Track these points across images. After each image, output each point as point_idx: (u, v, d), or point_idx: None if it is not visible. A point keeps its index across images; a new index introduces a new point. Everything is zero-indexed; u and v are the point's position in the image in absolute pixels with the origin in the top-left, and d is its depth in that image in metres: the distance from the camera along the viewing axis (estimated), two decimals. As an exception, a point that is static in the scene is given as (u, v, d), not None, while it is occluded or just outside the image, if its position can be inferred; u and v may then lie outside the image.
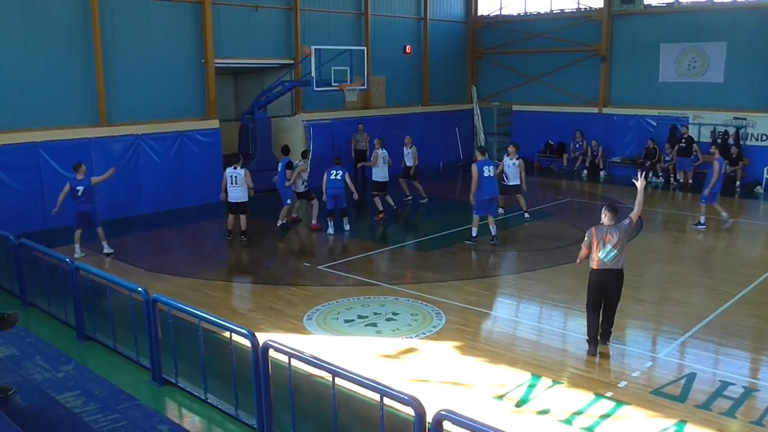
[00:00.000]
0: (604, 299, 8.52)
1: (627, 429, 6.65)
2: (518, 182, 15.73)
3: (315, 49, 18.29)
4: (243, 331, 6.33)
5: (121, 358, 8.30)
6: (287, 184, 15.08)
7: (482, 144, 24.77)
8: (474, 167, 13.50)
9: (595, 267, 8.41)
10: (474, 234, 13.87)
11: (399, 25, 23.65)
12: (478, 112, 26.32)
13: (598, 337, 8.56)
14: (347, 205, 15.43)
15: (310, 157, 16.13)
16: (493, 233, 13.78)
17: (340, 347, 8.67)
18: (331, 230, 14.81)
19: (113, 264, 12.52)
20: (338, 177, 14.70)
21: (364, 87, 20.09)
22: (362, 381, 5.30)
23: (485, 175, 13.45)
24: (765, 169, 20.48)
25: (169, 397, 7.40)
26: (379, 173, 16.51)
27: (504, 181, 15.61)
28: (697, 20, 21.67)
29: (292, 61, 20.16)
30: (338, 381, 5.49)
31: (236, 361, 6.64)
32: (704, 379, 7.81)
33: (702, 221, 15.42)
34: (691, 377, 7.82)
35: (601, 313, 8.56)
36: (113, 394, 5.46)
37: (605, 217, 8.51)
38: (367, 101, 22.30)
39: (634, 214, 8.73)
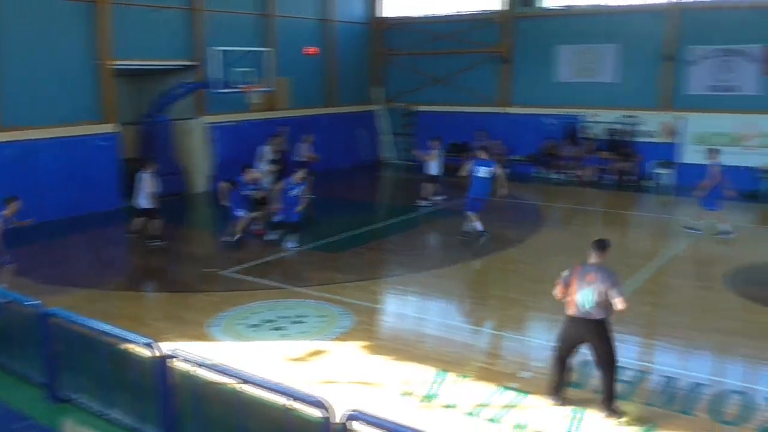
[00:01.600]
0: (575, 351, 7.33)
1: (531, 418, 6.88)
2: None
3: (219, 50, 18.07)
4: (145, 341, 6.19)
5: (14, 377, 7.93)
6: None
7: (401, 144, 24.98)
8: (470, 164, 13.84)
9: (570, 313, 7.19)
10: (481, 228, 13.81)
11: (303, 27, 23.57)
12: (382, 113, 26.51)
13: (565, 389, 7.37)
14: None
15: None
16: (480, 229, 13.86)
17: (247, 353, 8.59)
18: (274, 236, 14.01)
19: (7, 276, 11.94)
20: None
21: (269, 88, 19.94)
22: (270, 386, 5.29)
23: (478, 175, 13.61)
24: (653, 163, 21.57)
25: (66, 415, 7.13)
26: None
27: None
28: (592, 23, 22.59)
29: (194, 63, 19.77)
30: (246, 387, 5.45)
31: (139, 373, 6.48)
32: (601, 366, 8.16)
33: (727, 228, 14.68)
34: (590, 364, 8.14)
35: (568, 362, 7.36)
36: (4, 415, 5.23)
37: (592, 255, 7.29)
38: (272, 103, 22.11)
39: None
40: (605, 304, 7.02)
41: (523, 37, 23.85)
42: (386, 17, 26.64)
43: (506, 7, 23.92)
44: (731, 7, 20.68)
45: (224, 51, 18.32)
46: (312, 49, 19.18)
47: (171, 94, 19.08)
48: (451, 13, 25.43)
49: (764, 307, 10.36)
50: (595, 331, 7.06)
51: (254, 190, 14.31)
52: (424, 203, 17.78)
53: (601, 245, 7.34)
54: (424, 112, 25.75)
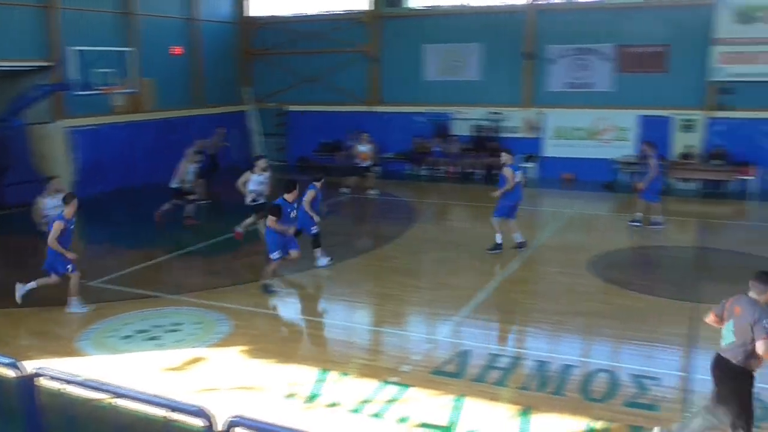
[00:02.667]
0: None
1: (412, 410, 7.01)
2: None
3: (76, 50, 17.18)
4: (7, 360, 5.79)
5: None
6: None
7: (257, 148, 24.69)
8: (509, 170, 13.11)
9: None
10: (499, 241, 13.16)
11: (168, 26, 22.84)
12: (253, 114, 26.16)
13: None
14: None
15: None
16: (520, 239, 13.41)
17: (121, 366, 8.25)
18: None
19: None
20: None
21: (133, 90, 19.19)
22: (147, 398, 5.09)
23: (517, 180, 13.22)
24: (518, 157, 22.49)
25: None
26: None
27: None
28: (456, 23, 23.27)
29: (50, 63, 18.69)
30: (121, 402, 5.23)
31: (3, 395, 6.07)
32: (478, 353, 8.45)
33: (659, 220, 15.32)
34: (466, 353, 8.43)
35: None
36: None
37: (751, 289, 6.07)
38: (137, 105, 21.28)
39: None
40: (746, 347, 5.71)
41: (391, 37, 24.23)
42: (254, 16, 26.28)
43: (373, 7, 24.22)
44: (584, 8, 21.96)
45: (82, 51, 17.41)
46: (177, 49, 18.65)
47: (26, 97, 17.94)
48: (319, 13, 25.45)
49: (623, 289, 11.07)
50: (721, 374, 5.90)
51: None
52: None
53: (764, 279, 5.97)
54: (296, 111, 25.64)
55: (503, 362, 8.15)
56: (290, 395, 7.39)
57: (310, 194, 12.28)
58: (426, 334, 9.35)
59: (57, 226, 9.79)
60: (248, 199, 13.54)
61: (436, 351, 8.66)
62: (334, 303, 10.78)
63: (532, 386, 7.59)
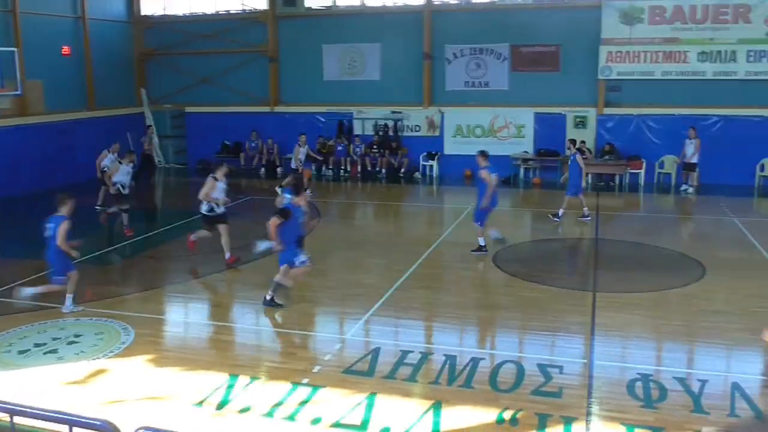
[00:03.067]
0: None
1: (325, 411, 6.98)
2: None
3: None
4: None
5: None
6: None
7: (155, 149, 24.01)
8: (487, 173, 12.75)
9: None
10: (483, 243, 12.96)
11: (56, 25, 21.83)
12: (149, 115, 25.38)
13: None
14: None
15: None
16: (501, 236, 13.24)
17: (19, 382, 7.82)
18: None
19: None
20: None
21: (17, 92, 18.25)
22: (47, 415, 4.85)
23: (494, 182, 12.82)
24: (420, 155, 22.85)
25: None
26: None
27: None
28: (354, 23, 23.37)
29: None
30: (19, 420, 4.96)
31: None
32: (388, 351, 8.50)
33: (560, 214, 15.82)
34: (377, 351, 8.47)
35: None
36: None
37: None
38: (23, 108, 20.25)
39: None
40: None
41: (289, 37, 24.07)
42: (148, 15, 25.51)
43: (269, 7, 23.97)
44: (479, 9, 22.50)
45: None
46: (65, 49, 17.93)
47: None
48: (215, 12, 24.97)
49: (526, 281, 11.41)
50: None
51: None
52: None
53: None
54: (193, 113, 25.07)
55: (413, 358, 8.24)
56: (199, 403, 7.21)
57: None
58: (336, 334, 9.34)
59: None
60: (220, 209, 12.60)
61: (347, 350, 8.66)
62: (242, 306, 10.60)
63: (442, 380, 7.70)
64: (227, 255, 12.44)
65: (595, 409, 7.03)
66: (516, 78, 22.23)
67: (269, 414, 6.94)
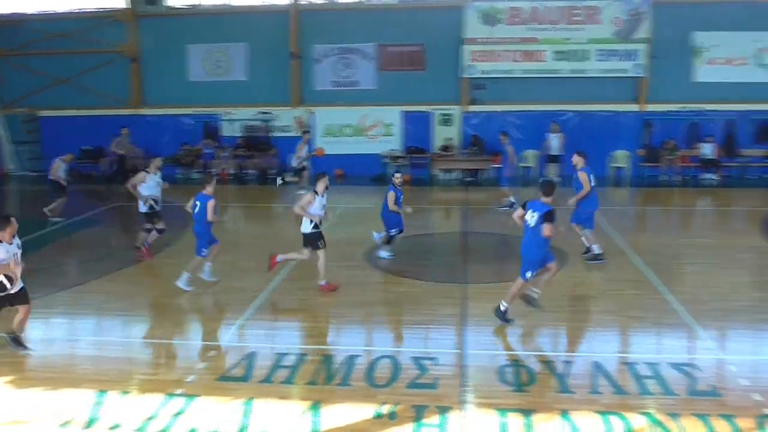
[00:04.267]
0: None
1: (200, 420, 6.80)
2: None
3: None
4: None
5: None
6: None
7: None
8: (583, 174, 12.11)
9: None
10: (598, 251, 12.27)
11: None
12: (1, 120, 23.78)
13: None
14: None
15: None
16: (598, 251, 12.41)
17: None
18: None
19: None
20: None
21: None
22: None
23: (593, 183, 12.14)
24: (290, 156, 22.70)
25: None
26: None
27: None
28: (219, 22, 22.88)
29: None
30: None
31: None
32: (264, 354, 8.39)
33: (512, 201, 16.38)
34: (252, 356, 8.34)
35: None
36: None
37: None
38: None
39: None
40: None
41: (150, 36, 23.25)
42: (-5, 13, 23.88)
43: (129, 5, 23.05)
44: (345, 9, 22.64)
45: None
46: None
47: None
48: (69, 10, 23.67)
49: (399, 277, 11.61)
50: None
51: None
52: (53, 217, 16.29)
53: None
54: (48, 117, 23.70)
55: (290, 360, 8.18)
56: (66, 423, 6.83)
57: (391, 196, 12.36)
58: (210, 341, 9.12)
59: None
60: (144, 206, 12.37)
61: (222, 357, 8.48)
62: (107, 319, 10.12)
63: (319, 380, 7.69)
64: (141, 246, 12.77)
65: (469, 397, 7.25)
66: (383, 77, 22.55)
67: (141, 429, 6.68)
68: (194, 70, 23.20)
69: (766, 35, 21.36)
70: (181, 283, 10.80)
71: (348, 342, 9.08)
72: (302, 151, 19.05)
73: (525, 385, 7.52)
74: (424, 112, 22.51)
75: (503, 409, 6.92)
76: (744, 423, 6.64)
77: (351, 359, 8.18)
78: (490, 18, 21.71)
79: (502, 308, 9.23)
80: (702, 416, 6.75)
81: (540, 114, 21.92)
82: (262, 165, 22.47)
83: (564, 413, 6.83)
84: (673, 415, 6.77)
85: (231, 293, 10.89)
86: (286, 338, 9.13)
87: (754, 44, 21.50)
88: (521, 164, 21.91)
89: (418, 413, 6.87)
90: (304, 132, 19.83)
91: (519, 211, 9.39)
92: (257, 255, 13.32)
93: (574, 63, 21.75)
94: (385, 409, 6.98)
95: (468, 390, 7.40)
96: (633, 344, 9.04)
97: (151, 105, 23.54)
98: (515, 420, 6.74)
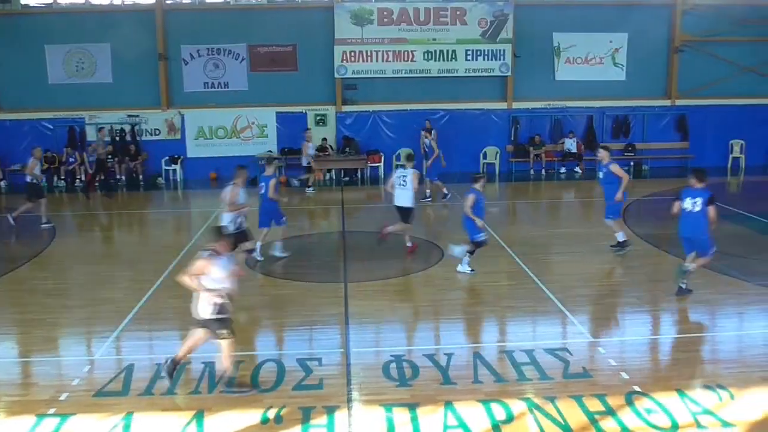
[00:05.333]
0: None
1: (77, 440, 6.49)
2: None
3: None
4: None
5: None
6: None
7: None
8: (617, 166, 12.26)
9: None
10: (623, 238, 12.44)
11: None
12: None
13: None
14: None
15: None
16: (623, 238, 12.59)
17: None
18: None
19: None
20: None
21: None
22: None
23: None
24: (162, 160, 22.04)
25: None
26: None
27: None
28: (79, 22, 21.80)
29: None
30: None
31: None
32: (142, 366, 8.10)
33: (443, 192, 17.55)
34: (130, 368, 8.02)
35: None
36: None
37: None
38: None
39: None
40: None
41: (4, 36, 21.81)
42: None
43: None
44: (213, 8, 22.16)
45: None
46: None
47: None
48: None
49: (280, 280, 11.54)
50: None
51: None
52: None
53: None
54: None
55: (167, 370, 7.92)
56: None
57: (470, 199, 11.35)
58: (84, 356, 8.69)
59: None
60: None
61: (97, 371, 8.09)
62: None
63: (202, 389, 7.51)
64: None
65: (355, 395, 7.30)
66: (255, 78, 22.27)
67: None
68: (54, 72, 21.97)
69: (619, 36, 22.82)
70: (277, 251, 12.67)
71: (230, 348, 8.88)
72: (308, 149, 19.60)
73: (409, 379, 7.65)
74: (299, 112, 22.42)
75: (389, 405, 7.02)
76: (614, 400, 7.07)
77: (234, 365, 8.02)
78: (360, 19, 21.91)
79: (683, 285, 9.93)
80: (576, 397, 7.12)
81: (412, 113, 22.37)
82: (132, 170, 21.64)
83: (448, 404, 7.02)
84: (551, 399, 7.10)
85: (106, 304, 10.42)
86: (165, 348, 8.80)
87: (608, 44, 22.93)
88: (397, 163, 22.29)
89: (305, 415, 6.84)
90: (305, 129, 20.48)
91: (677, 203, 10.02)
92: (131, 264, 12.87)
93: (443, 63, 22.34)
94: (272, 413, 6.92)
95: (354, 388, 7.46)
96: (510, 333, 9.40)
97: (7, 109, 22.11)
98: (401, 414, 6.85)
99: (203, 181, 21.56)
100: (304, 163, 20.01)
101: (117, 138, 21.94)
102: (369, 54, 22.11)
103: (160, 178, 21.83)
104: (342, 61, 21.96)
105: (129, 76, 21.99)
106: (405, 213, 12.87)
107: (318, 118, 22.51)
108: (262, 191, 12.43)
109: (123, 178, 21.66)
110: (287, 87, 22.28)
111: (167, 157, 22.09)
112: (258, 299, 10.65)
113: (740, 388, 7.31)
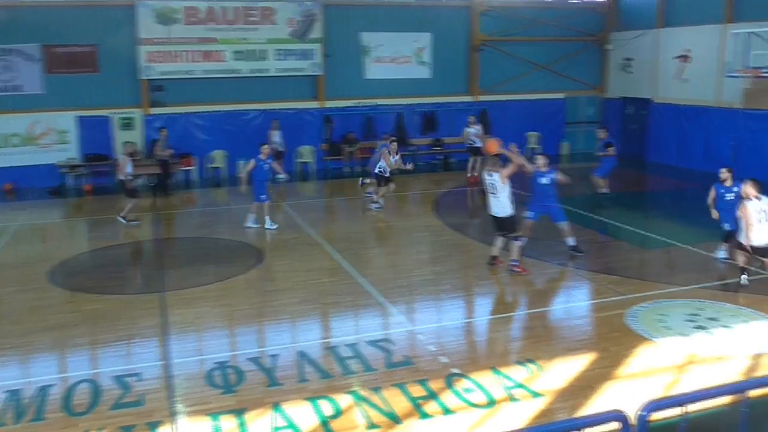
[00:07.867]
0: None
1: None
2: None
3: None
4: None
5: None
6: None
7: None
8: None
9: None
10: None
11: None
12: None
13: None
14: None
15: None
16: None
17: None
18: None
19: None
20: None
21: None
22: None
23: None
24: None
25: None
26: None
27: None
28: None
29: None
30: None
31: None
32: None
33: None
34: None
35: None
36: None
37: None
38: None
39: None
40: None
41: None
42: None
43: None
44: (3, 6, 20.32)
45: None
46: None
47: None
48: None
49: (91, 294, 10.85)
50: None
51: None
52: None
53: None
54: None
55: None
56: None
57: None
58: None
59: None
60: None
61: None
62: None
63: (7, 420, 6.90)
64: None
65: (179, 407, 7.07)
66: (52, 80, 20.74)
67: None
68: None
69: (423, 36, 23.80)
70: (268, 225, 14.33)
71: (39, 372, 8.21)
72: (389, 159, 16.40)
73: (234, 385, 7.53)
74: (103, 116, 21.20)
75: (215, 413, 6.87)
76: (435, 384, 7.39)
77: (43, 390, 7.47)
78: (165, 18, 21.11)
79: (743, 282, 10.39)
80: (400, 385, 7.37)
81: (224, 114, 21.98)
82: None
83: (276, 406, 6.99)
84: (376, 389, 7.29)
85: None
86: None
87: (414, 44, 23.85)
88: (210, 165, 21.77)
89: (126, 434, 6.52)
90: (392, 139, 17.29)
91: (712, 193, 11.39)
92: None
93: (253, 63, 22.10)
94: (89, 436, 6.52)
95: (177, 400, 7.21)
96: (333, 329, 9.53)
97: None
98: (228, 421, 6.73)
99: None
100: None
101: None
102: (177, 54, 21.38)
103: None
104: (147, 62, 21.05)
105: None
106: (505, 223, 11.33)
107: (124, 121, 21.42)
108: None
109: None
110: (89, 90, 20.97)
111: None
112: (67, 317, 9.93)
113: (547, 360, 7.93)
